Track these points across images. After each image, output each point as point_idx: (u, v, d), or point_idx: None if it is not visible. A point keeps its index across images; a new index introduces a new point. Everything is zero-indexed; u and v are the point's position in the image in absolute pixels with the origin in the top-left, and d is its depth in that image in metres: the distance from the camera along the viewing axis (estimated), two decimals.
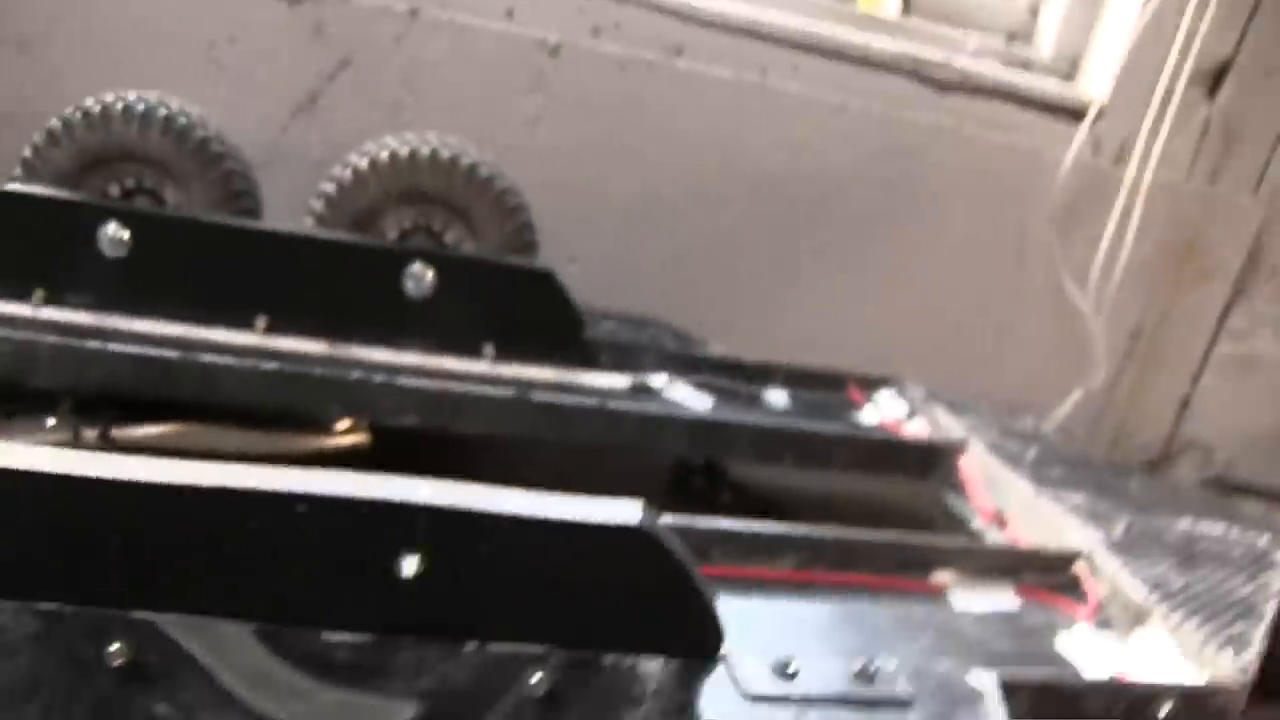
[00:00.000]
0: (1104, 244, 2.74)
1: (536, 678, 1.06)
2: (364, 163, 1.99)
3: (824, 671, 1.12)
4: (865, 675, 1.12)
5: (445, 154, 1.99)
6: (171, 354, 1.68)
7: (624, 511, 1.04)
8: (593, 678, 1.08)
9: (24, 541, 0.98)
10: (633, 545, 1.04)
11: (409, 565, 1.01)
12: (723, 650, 1.12)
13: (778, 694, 1.08)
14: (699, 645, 1.11)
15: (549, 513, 1.02)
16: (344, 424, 1.82)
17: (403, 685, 1.05)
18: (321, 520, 0.99)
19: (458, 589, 1.03)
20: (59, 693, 1.02)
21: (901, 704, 1.11)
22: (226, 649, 1.02)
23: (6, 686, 1.01)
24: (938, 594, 1.50)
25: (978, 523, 1.81)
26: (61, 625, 1.00)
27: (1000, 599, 1.51)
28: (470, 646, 1.06)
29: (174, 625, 1.01)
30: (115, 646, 1.00)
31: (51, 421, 1.69)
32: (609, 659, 1.08)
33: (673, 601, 1.08)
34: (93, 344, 1.67)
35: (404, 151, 1.98)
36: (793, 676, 1.10)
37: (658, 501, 1.45)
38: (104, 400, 1.72)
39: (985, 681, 1.18)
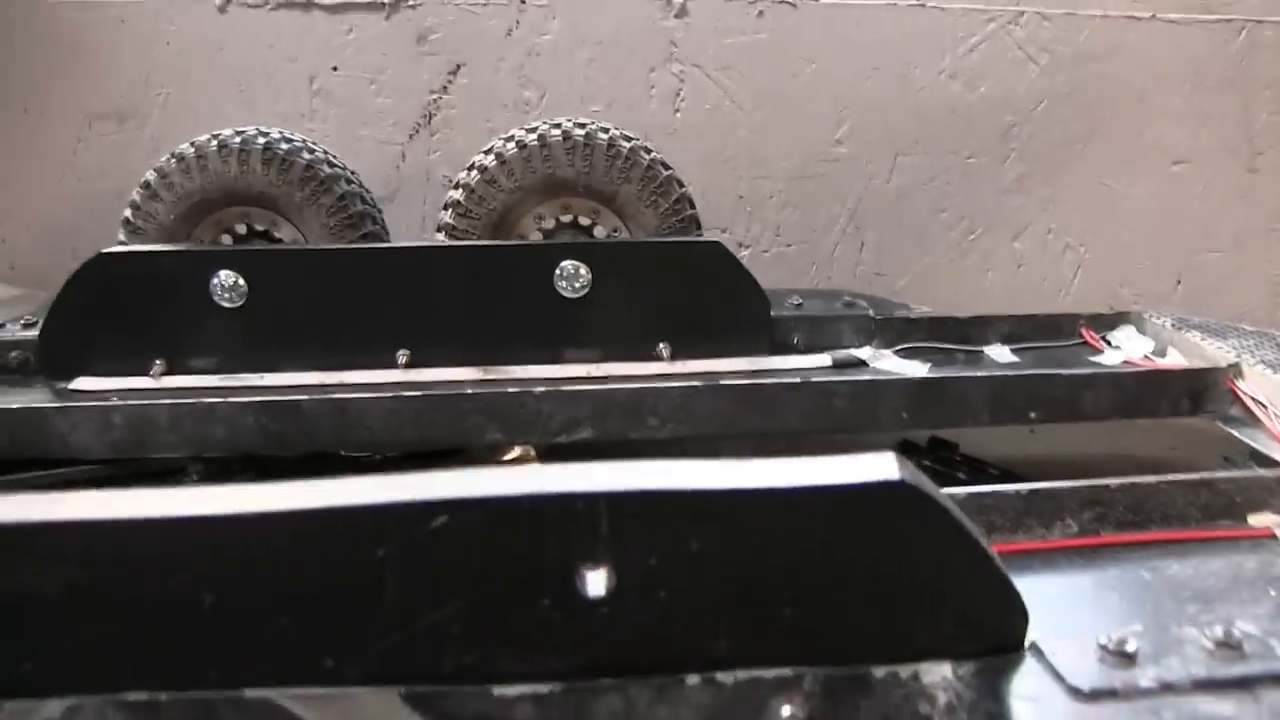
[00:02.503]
0: None
1: (788, 710, 0.78)
2: (490, 159, 1.75)
3: (1170, 648, 0.82)
4: (1229, 646, 0.82)
5: (579, 132, 1.74)
6: (300, 396, 1.47)
7: (877, 466, 0.76)
8: (862, 700, 0.79)
9: (91, 616, 0.74)
10: (895, 508, 0.75)
11: (595, 580, 0.74)
12: (1029, 637, 0.83)
13: (1120, 685, 0.78)
14: (997, 634, 0.81)
15: (776, 481, 0.74)
16: (512, 452, 1.58)
17: None
18: (469, 533, 0.73)
19: (665, 604, 0.76)
20: None
21: None
22: None
23: None
24: (1265, 539, 1.18)
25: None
26: (157, 718, 0.76)
27: None
28: (694, 680, 0.78)
29: (299, 701, 0.76)
30: None
31: None
32: (881, 672, 0.79)
33: (954, 579, 0.79)
34: (211, 399, 1.46)
35: (532, 138, 1.74)
36: (1131, 659, 0.80)
37: None
38: (240, 463, 1.52)
39: None
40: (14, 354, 1.65)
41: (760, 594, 0.76)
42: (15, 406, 1.49)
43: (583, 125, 1.76)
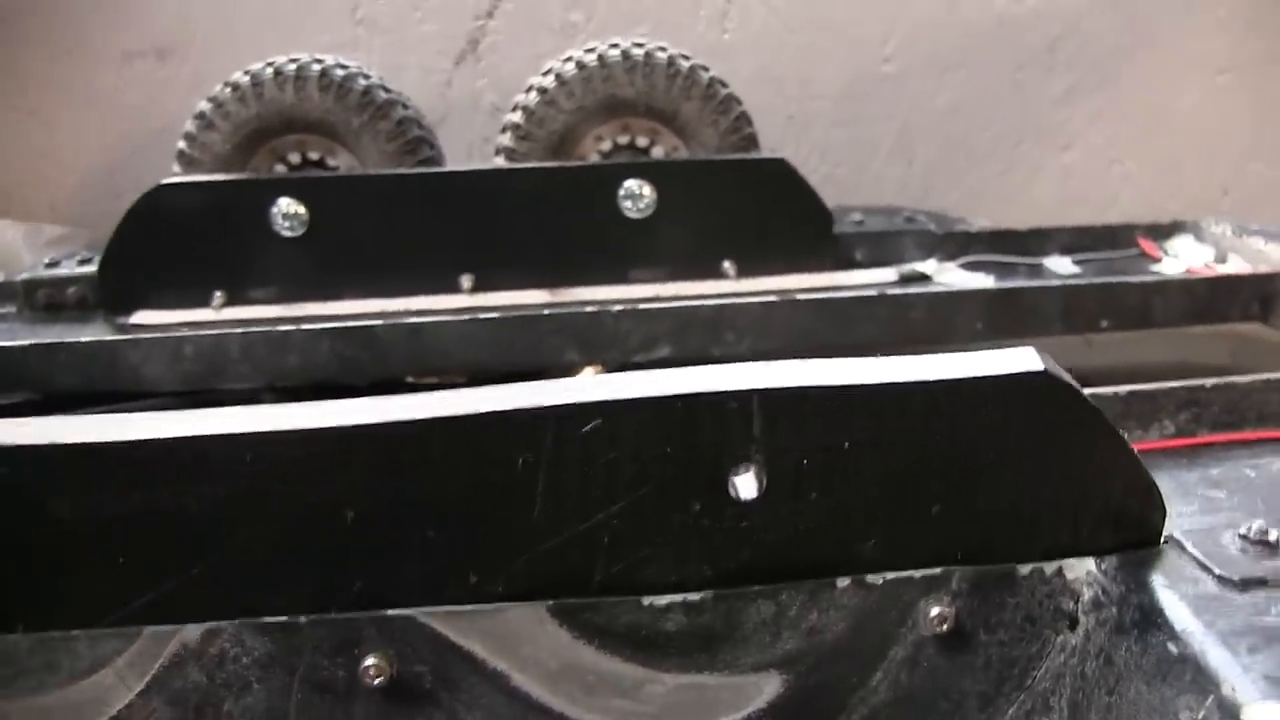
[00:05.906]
0: None
1: (935, 611, 0.77)
2: (550, 80, 1.73)
3: None
4: None
5: (639, 51, 1.71)
6: (374, 322, 1.46)
7: (1019, 358, 0.75)
8: (1007, 598, 0.79)
9: (228, 536, 0.73)
10: (1040, 400, 0.74)
11: (746, 484, 0.73)
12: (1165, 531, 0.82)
13: (1269, 574, 0.76)
14: (1136, 529, 0.80)
15: (924, 374, 0.73)
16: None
17: (758, 652, 0.78)
18: (620, 437, 0.72)
19: (816, 505, 0.75)
20: None
21: None
22: (517, 641, 0.76)
23: None
24: None
25: None
26: (298, 640, 0.75)
27: None
28: (844, 583, 0.77)
29: (443, 619, 0.75)
30: (371, 660, 0.75)
31: None
32: (1026, 569, 0.79)
33: (1096, 473, 0.78)
34: (284, 327, 1.46)
35: (591, 58, 1.72)
36: (1275, 548, 0.79)
37: None
38: (310, 393, 1.51)
39: None
40: (71, 290, 1.64)
41: (909, 492, 0.75)
42: (85, 340, 1.48)
43: (641, 44, 1.73)
